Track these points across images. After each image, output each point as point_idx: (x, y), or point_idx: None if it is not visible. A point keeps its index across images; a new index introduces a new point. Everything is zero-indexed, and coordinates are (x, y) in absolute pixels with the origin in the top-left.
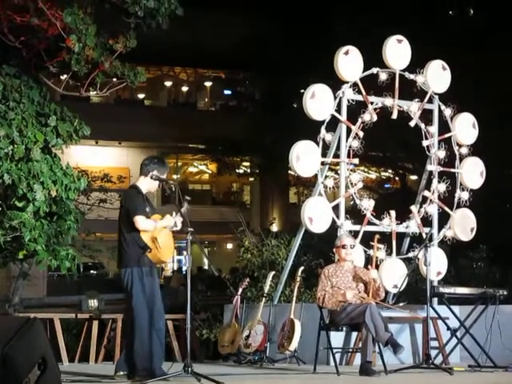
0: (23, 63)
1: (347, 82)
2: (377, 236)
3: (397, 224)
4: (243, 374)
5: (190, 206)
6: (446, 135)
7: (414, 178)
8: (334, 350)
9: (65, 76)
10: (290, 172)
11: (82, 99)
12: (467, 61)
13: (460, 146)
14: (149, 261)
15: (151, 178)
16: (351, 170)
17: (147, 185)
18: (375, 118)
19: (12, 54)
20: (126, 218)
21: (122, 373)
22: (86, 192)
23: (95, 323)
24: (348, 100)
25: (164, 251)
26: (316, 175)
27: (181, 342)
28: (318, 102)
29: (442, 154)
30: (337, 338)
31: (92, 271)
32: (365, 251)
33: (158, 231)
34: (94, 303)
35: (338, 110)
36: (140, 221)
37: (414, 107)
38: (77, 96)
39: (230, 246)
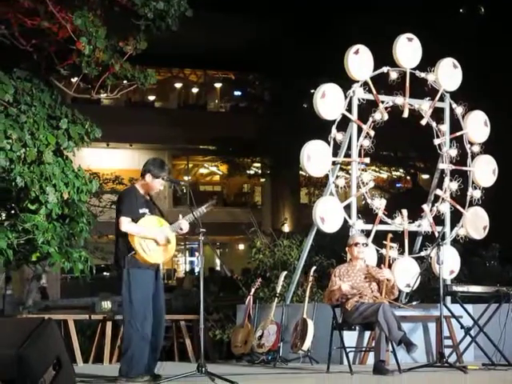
0: (34, 66)
1: (357, 81)
2: (390, 235)
3: (409, 223)
4: (257, 374)
5: (213, 206)
6: (458, 133)
7: (425, 177)
8: (348, 350)
9: (75, 79)
10: (301, 172)
11: (93, 102)
12: (479, 58)
13: (472, 144)
14: (138, 262)
15: (163, 179)
16: (362, 170)
17: (145, 186)
18: (386, 116)
19: (23, 58)
20: (116, 217)
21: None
22: (98, 194)
23: (109, 324)
24: (358, 99)
25: (153, 253)
26: (327, 175)
27: (194, 342)
28: (329, 101)
29: (453, 152)
30: (350, 338)
31: (105, 273)
32: (377, 250)
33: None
34: (107, 305)
35: (349, 109)
36: (123, 222)
37: (425, 106)
38: (87, 98)
39: (241, 247)
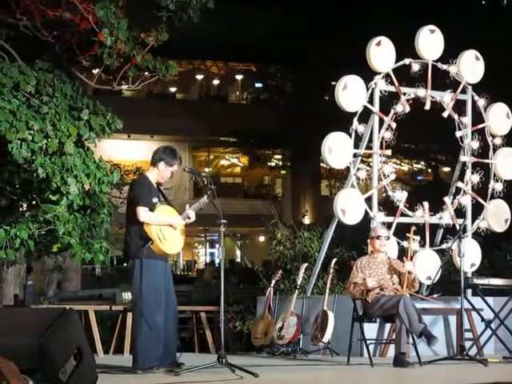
0: (56, 58)
1: (379, 73)
2: (413, 227)
3: (430, 215)
4: (277, 366)
5: (215, 198)
6: (480, 126)
7: (446, 169)
8: (368, 342)
9: (97, 70)
10: (321, 165)
11: (114, 93)
12: (501, 50)
13: (494, 136)
14: (151, 253)
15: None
16: (383, 162)
17: (156, 175)
18: (408, 109)
19: (45, 49)
20: (131, 207)
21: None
22: (119, 185)
23: (129, 315)
24: (380, 91)
25: (169, 244)
26: (348, 167)
27: (214, 333)
28: (350, 93)
29: (475, 144)
30: (370, 330)
31: (125, 264)
32: (398, 243)
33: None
34: (127, 296)
35: (371, 101)
36: (141, 211)
37: (447, 98)
38: (109, 90)
39: (262, 239)
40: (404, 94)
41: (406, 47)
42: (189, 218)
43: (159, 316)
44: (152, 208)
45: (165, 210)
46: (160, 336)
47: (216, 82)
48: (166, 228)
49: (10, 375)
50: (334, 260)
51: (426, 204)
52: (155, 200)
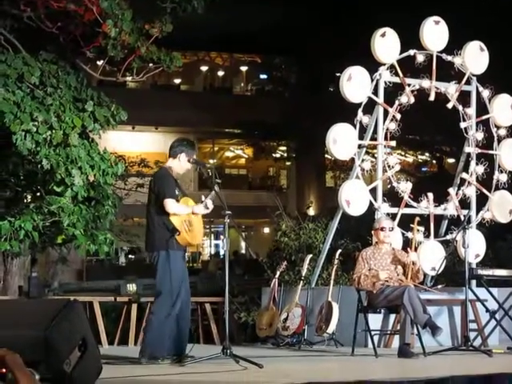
0: (60, 49)
1: (384, 64)
2: (417, 218)
3: (434, 206)
4: (281, 357)
5: (220, 190)
6: (484, 117)
7: (451, 161)
8: (372, 333)
9: (101, 61)
10: (326, 156)
11: (119, 84)
12: (506, 41)
13: (498, 127)
14: (177, 244)
15: (188, 161)
16: (388, 154)
17: (176, 167)
18: (412, 100)
19: (49, 40)
20: (156, 200)
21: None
22: (124, 177)
23: (134, 306)
24: (385, 82)
25: (194, 234)
26: (353, 158)
27: (219, 325)
28: (355, 84)
29: (479, 135)
30: (375, 321)
31: (130, 256)
32: (402, 234)
33: (190, 214)
34: (132, 287)
35: (375, 92)
36: (170, 204)
37: (451, 89)
38: (113, 81)
39: (266, 230)
40: (408, 85)
41: (410, 38)
42: (207, 208)
43: (177, 307)
44: (176, 200)
45: (186, 202)
46: (171, 327)
47: (220, 73)
48: (189, 219)
49: (16, 368)
50: (339, 251)
51: (430, 195)
52: (177, 192)
